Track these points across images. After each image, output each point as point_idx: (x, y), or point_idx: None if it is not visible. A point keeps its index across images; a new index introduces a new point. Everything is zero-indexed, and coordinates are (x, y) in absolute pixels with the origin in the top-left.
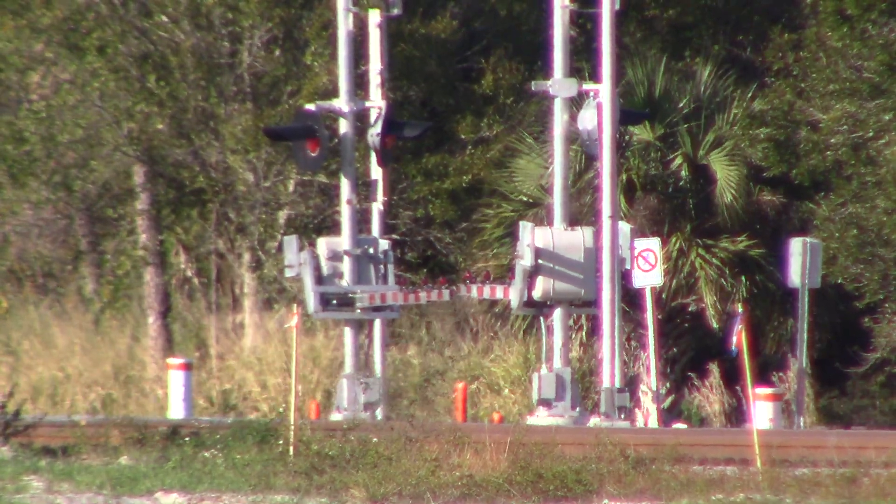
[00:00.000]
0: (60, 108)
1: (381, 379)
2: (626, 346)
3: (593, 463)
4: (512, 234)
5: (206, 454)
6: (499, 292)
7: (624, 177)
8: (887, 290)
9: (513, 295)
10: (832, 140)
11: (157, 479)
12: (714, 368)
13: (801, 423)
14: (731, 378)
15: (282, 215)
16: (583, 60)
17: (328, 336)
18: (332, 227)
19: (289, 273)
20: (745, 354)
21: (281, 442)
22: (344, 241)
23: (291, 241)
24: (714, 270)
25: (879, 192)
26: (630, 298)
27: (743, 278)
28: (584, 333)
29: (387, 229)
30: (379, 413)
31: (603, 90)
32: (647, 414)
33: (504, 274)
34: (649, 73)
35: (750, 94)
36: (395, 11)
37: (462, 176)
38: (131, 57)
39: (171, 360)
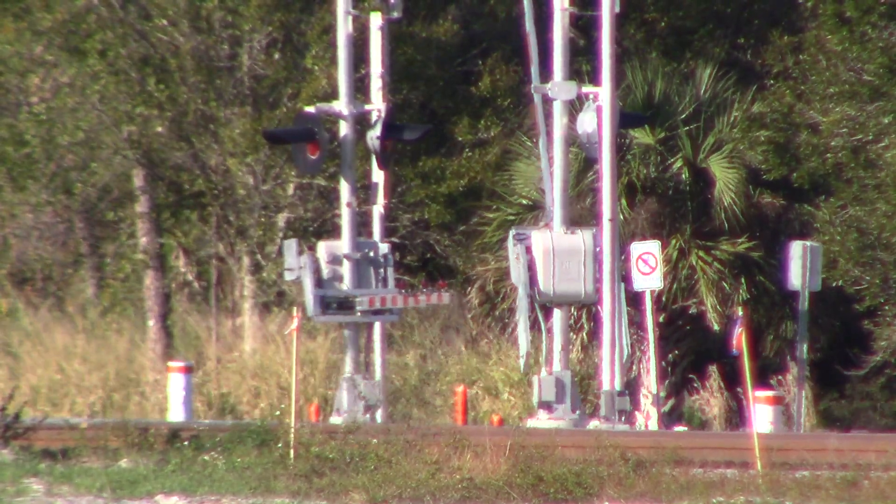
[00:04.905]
0: (60, 110)
1: (382, 381)
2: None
3: (593, 466)
4: None
5: (206, 457)
6: None
7: (624, 179)
8: (887, 293)
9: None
10: (832, 143)
11: (157, 481)
12: (714, 371)
13: (802, 426)
14: (732, 381)
15: (281, 218)
16: (582, 62)
17: (327, 339)
18: (332, 231)
19: (288, 276)
20: (746, 357)
21: (281, 445)
22: (344, 244)
23: (291, 245)
24: (714, 273)
25: (879, 195)
26: (630, 301)
27: (743, 280)
28: (584, 335)
29: (386, 232)
30: (379, 415)
31: (603, 93)
32: (648, 417)
33: (504, 276)
34: (649, 76)
35: (750, 97)
36: (396, 14)
37: (459, 179)
38: (131, 60)
39: (171, 363)
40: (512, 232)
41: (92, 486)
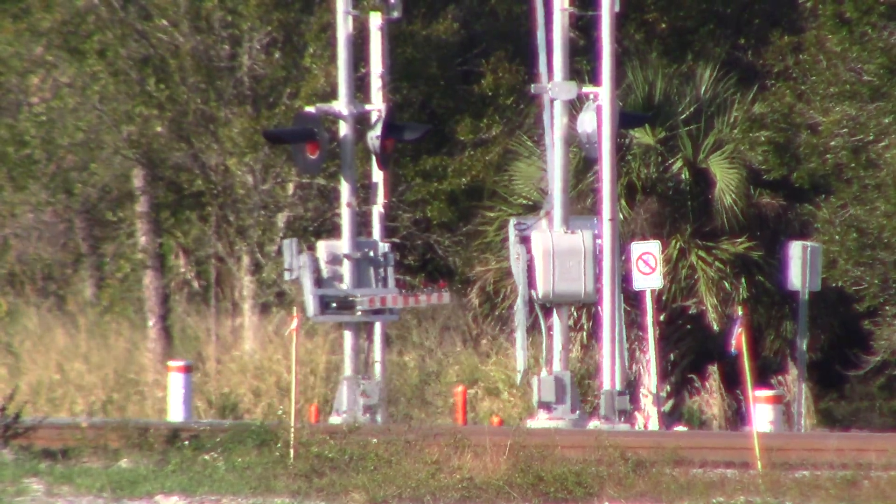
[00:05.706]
0: (60, 111)
1: (382, 382)
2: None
3: (593, 465)
4: None
5: (206, 457)
6: None
7: (624, 180)
8: (887, 293)
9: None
10: (832, 143)
11: (157, 482)
12: (714, 371)
13: (802, 426)
14: (732, 381)
15: (281, 218)
16: (582, 62)
17: (327, 339)
18: (332, 231)
19: (288, 276)
20: (746, 357)
21: (280, 445)
22: (344, 244)
23: (291, 245)
24: (714, 272)
25: (879, 195)
26: (630, 301)
27: (743, 280)
28: (584, 335)
29: (386, 232)
30: (379, 416)
31: (603, 93)
32: (648, 416)
33: (504, 276)
34: (649, 76)
35: (750, 97)
36: (395, 14)
37: (460, 177)
38: (131, 60)
39: (171, 363)
40: (512, 222)
41: (92, 486)
